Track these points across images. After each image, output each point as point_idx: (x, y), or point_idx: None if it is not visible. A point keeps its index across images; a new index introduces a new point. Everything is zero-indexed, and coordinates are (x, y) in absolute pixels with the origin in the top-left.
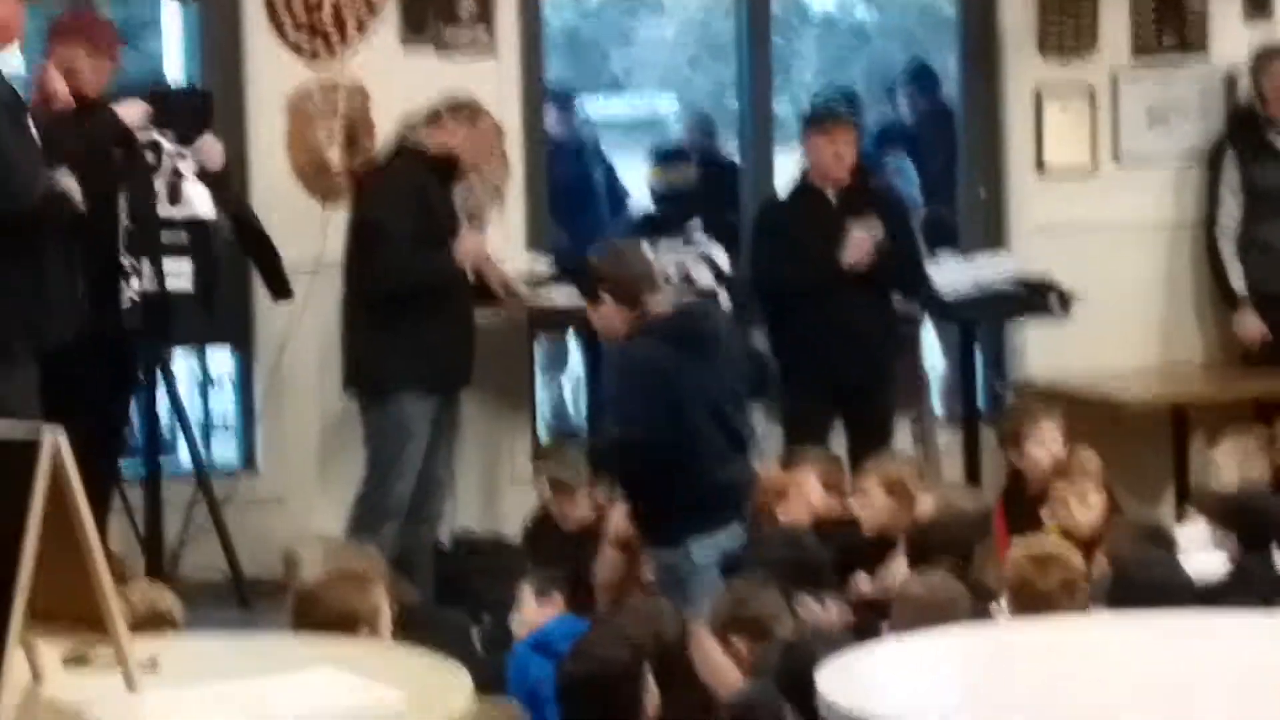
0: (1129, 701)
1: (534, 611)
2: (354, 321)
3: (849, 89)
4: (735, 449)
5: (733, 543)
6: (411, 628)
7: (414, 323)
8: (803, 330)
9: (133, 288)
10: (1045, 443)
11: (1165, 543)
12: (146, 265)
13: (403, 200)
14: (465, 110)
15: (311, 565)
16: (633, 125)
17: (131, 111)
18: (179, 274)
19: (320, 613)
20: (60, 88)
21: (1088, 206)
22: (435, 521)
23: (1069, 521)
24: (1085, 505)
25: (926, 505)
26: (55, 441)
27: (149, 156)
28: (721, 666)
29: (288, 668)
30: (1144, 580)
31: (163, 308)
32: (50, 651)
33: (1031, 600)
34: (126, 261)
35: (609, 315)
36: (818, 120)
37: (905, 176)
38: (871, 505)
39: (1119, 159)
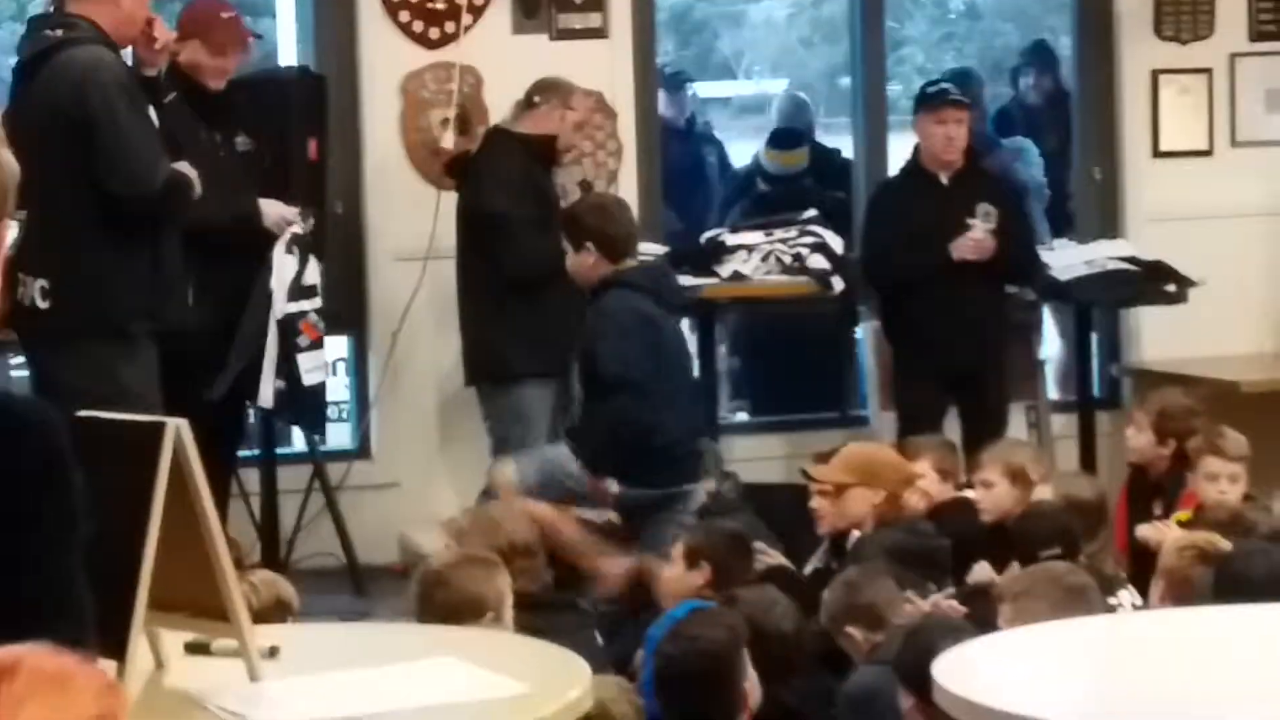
0: (1247, 695)
1: (680, 577)
2: (473, 312)
3: (963, 70)
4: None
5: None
6: (533, 614)
7: (530, 310)
8: (915, 317)
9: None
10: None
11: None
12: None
13: (516, 188)
14: (557, 92)
15: (450, 539)
16: (743, 108)
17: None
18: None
19: (446, 596)
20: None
21: (1204, 191)
22: None
23: (1218, 500)
24: (1236, 485)
25: (1043, 493)
26: (178, 430)
27: None
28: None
29: (408, 656)
30: (1257, 570)
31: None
32: (172, 640)
33: (1184, 590)
34: None
35: (589, 265)
36: (928, 102)
37: (1027, 158)
38: (992, 493)
39: (1236, 143)
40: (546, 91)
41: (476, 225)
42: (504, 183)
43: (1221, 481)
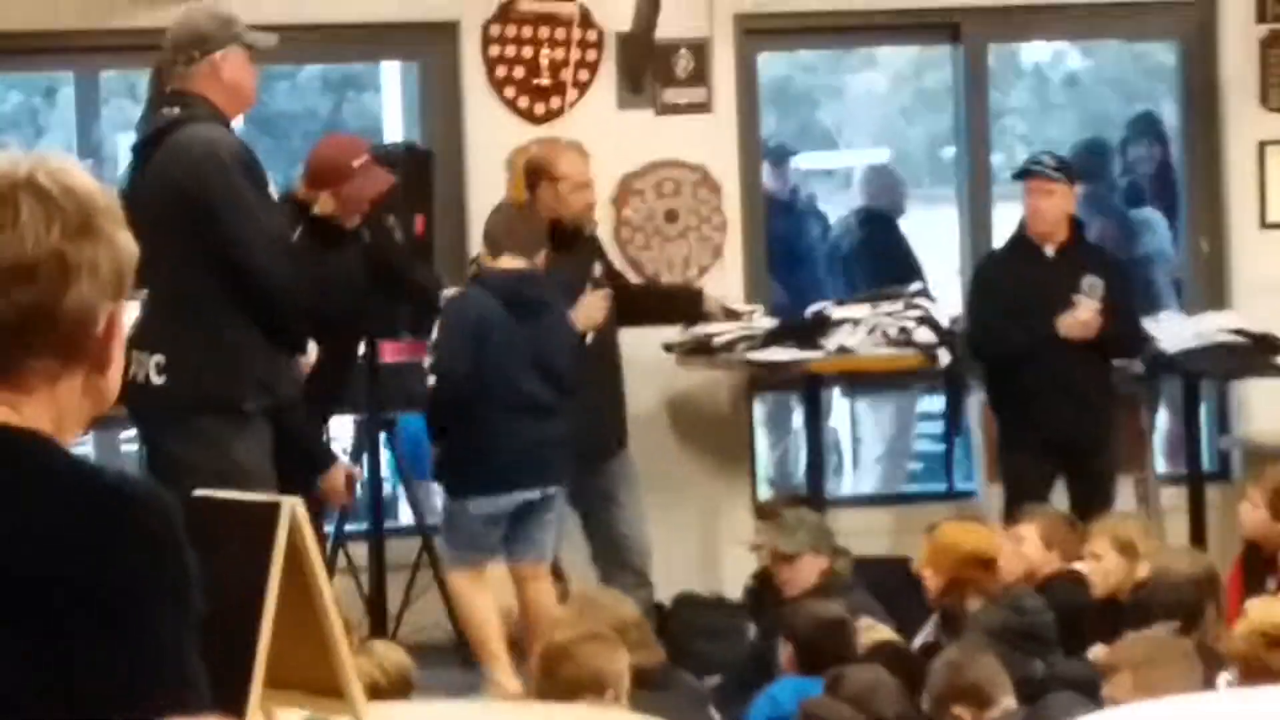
0: None
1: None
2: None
3: (1093, 140)
4: (547, 415)
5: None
6: (649, 689)
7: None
8: (1022, 388)
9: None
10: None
11: None
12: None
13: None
14: (540, 170)
15: (565, 618)
16: (847, 179)
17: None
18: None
19: (569, 671)
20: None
21: None
22: (644, 581)
23: None
24: None
25: (1151, 567)
26: (293, 509)
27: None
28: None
29: None
30: None
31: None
32: (289, 718)
33: (1262, 676)
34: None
35: None
36: (1023, 174)
37: (1154, 230)
38: (1103, 566)
39: None
40: (531, 176)
41: None
42: None
43: None
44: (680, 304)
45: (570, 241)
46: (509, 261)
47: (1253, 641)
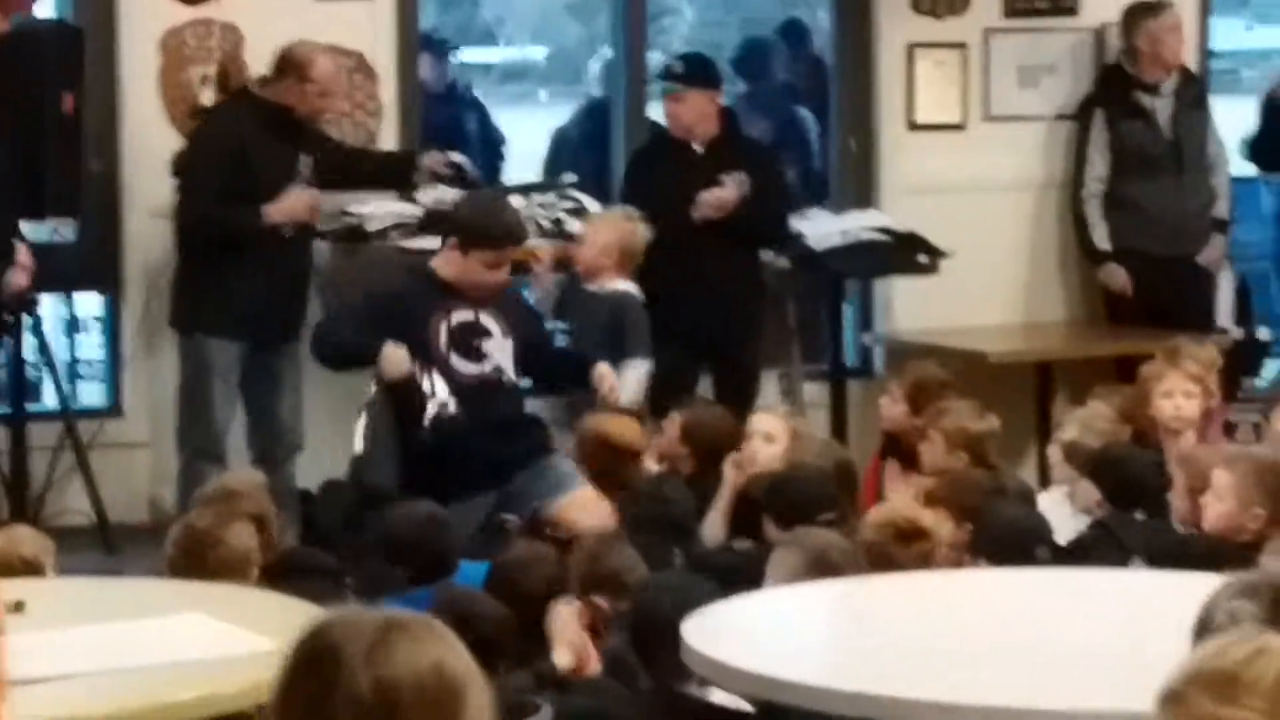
0: (987, 657)
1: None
2: (177, 261)
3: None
4: None
5: None
6: (284, 573)
7: (221, 271)
8: (667, 284)
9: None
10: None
11: (1027, 499)
12: None
13: (214, 151)
14: (294, 67)
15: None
16: (506, 75)
17: None
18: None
19: (208, 554)
20: None
21: (957, 164)
22: (289, 467)
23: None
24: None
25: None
26: None
27: None
28: None
29: (157, 613)
30: (1007, 536)
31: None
32: None
33: (886, 568)
34: None
35: None
36: (668, 83)
37: (806, 127)
38: (750, 457)
39: (989, 117)
40: (285, 66)
41: (175, 177)
42: (204, 141)
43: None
44: (393, 168)
45: (291, 133)
46: None
47: (884, 533)
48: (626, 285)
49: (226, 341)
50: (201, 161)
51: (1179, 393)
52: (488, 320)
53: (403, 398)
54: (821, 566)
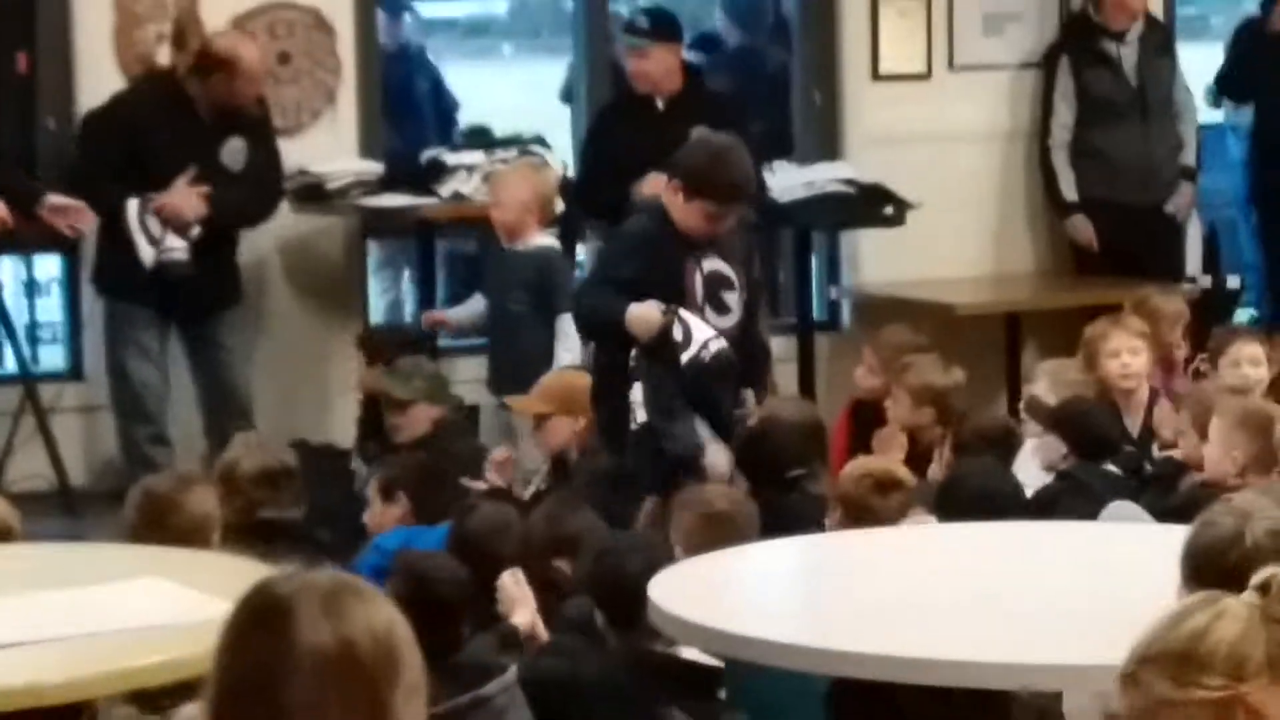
0: (955, 612)
1: (381, 513)
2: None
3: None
4: None
5: None
6: (254, 539)
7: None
8: None
9: None
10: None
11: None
12: None
13: (105, 130)
14: (222, 63)
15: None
16: (468, 29)
17: None
18: None
19: (169, 520)
20: None
21: (923, 114)
22: (247, 428)
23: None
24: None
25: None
26: None
27: None
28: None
29: (116, 577)
30: (973, 489)
31: None
32: None
33: (863, 518)
34: None
35: None
36: (631, 37)
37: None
38: None
39: (953, 66)
40: (211, 65)
41: None
42: (98, 118)
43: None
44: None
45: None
46: None
47: (861, 484)
48: (549, 240)
49: (137, 307)
50: (91, 143)
51: (1125, 350)
52: (729, 270)
53: (660, 353)
54: (714, 524)
